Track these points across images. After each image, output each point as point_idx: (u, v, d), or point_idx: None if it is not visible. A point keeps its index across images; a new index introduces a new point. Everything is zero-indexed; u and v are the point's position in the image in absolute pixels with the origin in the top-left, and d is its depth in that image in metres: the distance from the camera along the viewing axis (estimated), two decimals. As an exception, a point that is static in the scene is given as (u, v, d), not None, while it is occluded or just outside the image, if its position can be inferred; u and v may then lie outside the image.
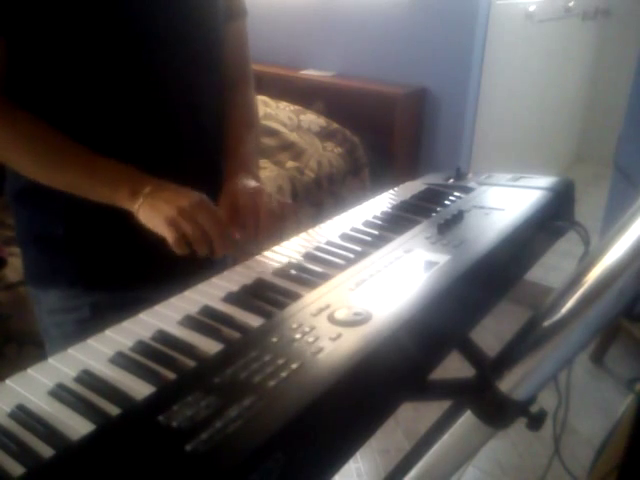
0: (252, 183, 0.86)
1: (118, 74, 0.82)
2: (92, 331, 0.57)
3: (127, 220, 0.79)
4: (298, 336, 0.52)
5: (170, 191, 0.77)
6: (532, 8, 2.69)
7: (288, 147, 2.36)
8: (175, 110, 0.88)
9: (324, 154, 2.37)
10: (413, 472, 0.61)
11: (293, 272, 0.69)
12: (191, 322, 0.59)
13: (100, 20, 0.78)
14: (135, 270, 0.91)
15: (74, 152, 0.81)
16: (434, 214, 0.83)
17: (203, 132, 0.94)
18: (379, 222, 0.83)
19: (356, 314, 0.55)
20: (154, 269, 0.88)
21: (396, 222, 0.81)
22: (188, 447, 0.40)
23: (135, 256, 0.88)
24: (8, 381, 0.51)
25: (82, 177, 0.81)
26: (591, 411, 1.97)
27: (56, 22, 0.76)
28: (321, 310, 0.56)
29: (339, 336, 0.51)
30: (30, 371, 0.52)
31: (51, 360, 0.54)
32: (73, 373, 0.52)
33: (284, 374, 0.46)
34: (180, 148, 0.91)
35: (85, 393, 0.49)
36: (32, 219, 0.92)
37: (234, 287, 0.66)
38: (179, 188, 0.77)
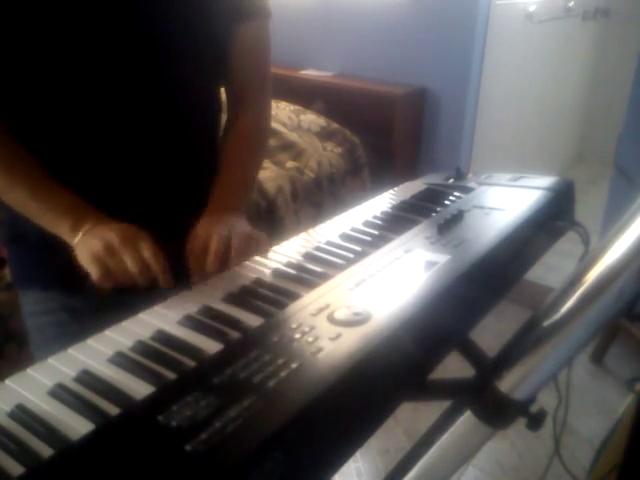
0: (213, 224, 0.80)
1: (103, 72, 0.80)
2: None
3: None
4: (298, 336, 0.52)
5: (106, 228, 0.74)
6: (532, 8, 2.69)
7: (288, 147, 2.36)
8: (164, 106, 0.86)
9: (324, 154, 2.37)
10: (413, 472, 0.61)
11: (293, 272, 0.69)
12: (191, 322, 0.59)
13: (81, 18, 0.77)
14: None
15: (30, 172, 0.80)
16: (434, 214, 0.83)
17: (193, 132, 0.91)
18: (379, 222, 0.83)
19: (356, 314, 0.55)
20: None
21: (396, 222, 0.81)
22: (188, 447, 0.40)
23: None
24: (8, 381, 0.51)
25: (29, 199, 0.79)
26: (591, 411, 1.97)
27: (48, 31, 0.75)
28: (321, 310, 0.56)
29: (339, 336, 0.51)
30: (30, 371, 0.52)
31: (51, 360, 0.54)
32: (73, 373, 0.52)
33: (284, 374, 0.46)
34: (167, 149, 0.88)
35: (85, 393, 0.49)
36: (11, 221, 0.91)
37: (234, 287, 0.66)
38: (116, 224, 0.75)
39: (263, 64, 0.97)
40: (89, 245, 0.73)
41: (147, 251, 0.71)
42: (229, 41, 0.91)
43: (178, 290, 0.67)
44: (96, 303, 0.87)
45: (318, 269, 0.69)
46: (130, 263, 0.70)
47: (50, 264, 0.90)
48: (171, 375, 0.51)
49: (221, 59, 0.91)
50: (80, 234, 0.75)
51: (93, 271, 0.71)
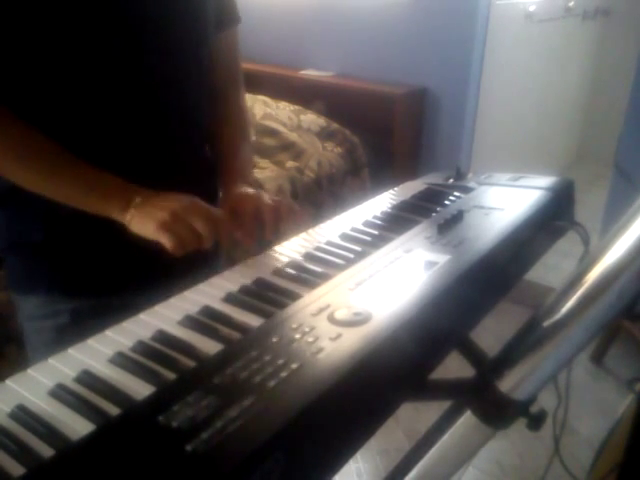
0: (251, 190, 0.87)
1: (107, 78, 0.81)
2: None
3: (108, 226, 0.79)
4: (298, 336, 0.52)
5: (160, 198, 0.77)
6: (532, 8, 2.69)
7: (288, 147, 2.36)
8: (164, 113, 0.88)
9: (324, 154, 2.37)
10: (413, 472, 0.61)
11: (293, 272, 0.69)
12: (191, 322, 0.59)
13: (89, 24, 0.77)
14: (115, 277, 0.90)
15: (67, 162, 0.80)
16: (434, 214, 0.83)
17: (193, 131, 0.95)
18: (379, 222, 0.83)
19: (356, 314, 0.55)
20: (134, 276, 0.87)
21: (396, 222, 0.81)
22: (188, 447, 0.40)
23: (115, 263, 0.87)
24: (8, 381, 0.51)
25: (75, 188, 0.80)
26: (591, 411, 1.97)
27: (48, 27, 0.76)
28: (321, 310, 0.56)
29: (339, 336, 0.51)
30: (30, 371, 0.52)
31: (51, 360, 0.54)
32: (73, 373, 0.52)
33: (284, 374, 0.46)
34: (171, 147, 0.90)
35: (85, 393, 0.49)
36: (10, 224, 0.90)
37: (234, 287, 0.66)
38: (168, 194, 0.78)
39: (238, 66, 1.07)
40: (152, 216, 0.75)
41: (209, 211, 0.76)
42: (211, 46, 0.96)
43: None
44: (97, 305, 0.87)
45: (318, 269, 0.69)
46: (201, 225, 0.73)
47: (54, 267, 0.90)
48: (171, 375, 0.51)
49: (204, 61, 0.95)
50: (132, 209, 0.77)
51: (166, 241, 0.73)
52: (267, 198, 0.84)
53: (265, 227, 0.80)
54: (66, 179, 0.80)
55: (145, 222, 0.75)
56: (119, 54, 0.81)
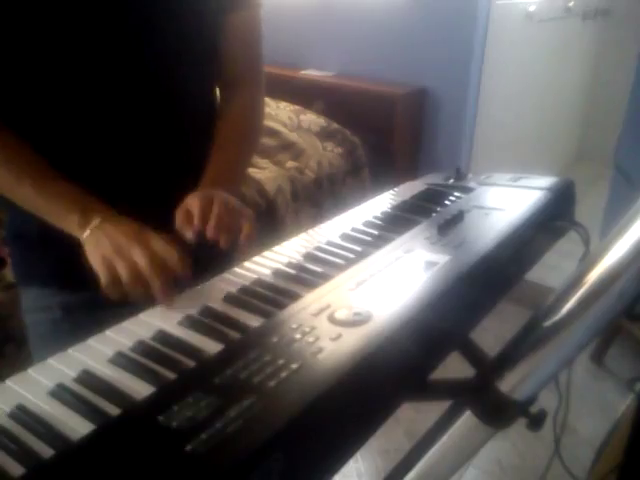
0: (214, 192, 0.79)
1: (98, 63, 0.80)
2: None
3: None
4: (298, 336, 0.52)
5: (115, 225, 0.73)
6: (532, 8, 2.69)
7: (288, 147, 2.36)
8: (158, 100, 0.86)
9: (324, 154, 2.37)
10: (413, 472, 0.61)
11: (293, 272, 0.69)
12: (191, 322, 0.59)
13: (77, 11, 0.77)
14: None
15: (35, 168, 0.79)
16: (434, 214, 0.83)
17: (187, 124, 0.91)
18: (379, 222, 0.83)
19: (356, 314, 0.55)
20: None
21: (396, 222, 0.81)
22: (188, 447, 0.40)
23: None
24: (8, 381, 0.51)
25: (35, 195, 0.79)
26: (591, 411, 1.97)
27: (43, 26, 0.76)
28: (321, 310, 0.56)
29: (339, 336, 0.51)
30: (30, 371, 0.52)
31: (51, 360, 0.54)
32: (73, 373, 0.52)
33: (284, 374, 0.46)
34: (162, 140, 0.88)
35: (85, 393, 0.49)
36: (12, 218, 0.92)
37: (234, 287, 0.66)
38: (125, 222, 0.74)
39: (254, 55, 0.98)
40: (99, 244, 0.71)
41: (159, 244, 0.69)
42: (220, 33, 0.91)
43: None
44: (89, 300, 0.87)
45: (318, 269, 0.69)
46: (141, 259, 0.67)
47: (49, 261, 0.91)
48: (171, 375, 0.51)
49: (212, 52, 0.92)
50: (88, 230, 0.74)
51: (102, 277, 0.69)
52: (225, 200, 0.76)
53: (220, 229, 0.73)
54: (30, 183, 0.79)
55: (93, 250, 0.72)
56: (107, 52, 0.80)
